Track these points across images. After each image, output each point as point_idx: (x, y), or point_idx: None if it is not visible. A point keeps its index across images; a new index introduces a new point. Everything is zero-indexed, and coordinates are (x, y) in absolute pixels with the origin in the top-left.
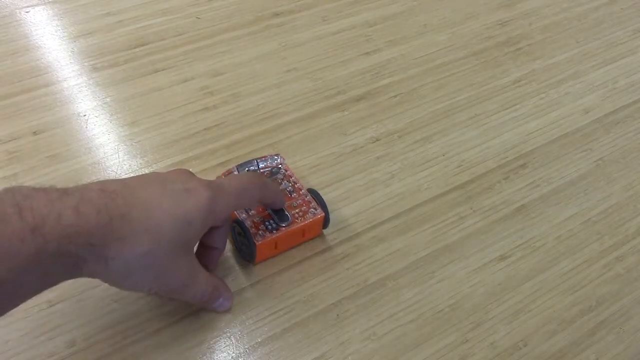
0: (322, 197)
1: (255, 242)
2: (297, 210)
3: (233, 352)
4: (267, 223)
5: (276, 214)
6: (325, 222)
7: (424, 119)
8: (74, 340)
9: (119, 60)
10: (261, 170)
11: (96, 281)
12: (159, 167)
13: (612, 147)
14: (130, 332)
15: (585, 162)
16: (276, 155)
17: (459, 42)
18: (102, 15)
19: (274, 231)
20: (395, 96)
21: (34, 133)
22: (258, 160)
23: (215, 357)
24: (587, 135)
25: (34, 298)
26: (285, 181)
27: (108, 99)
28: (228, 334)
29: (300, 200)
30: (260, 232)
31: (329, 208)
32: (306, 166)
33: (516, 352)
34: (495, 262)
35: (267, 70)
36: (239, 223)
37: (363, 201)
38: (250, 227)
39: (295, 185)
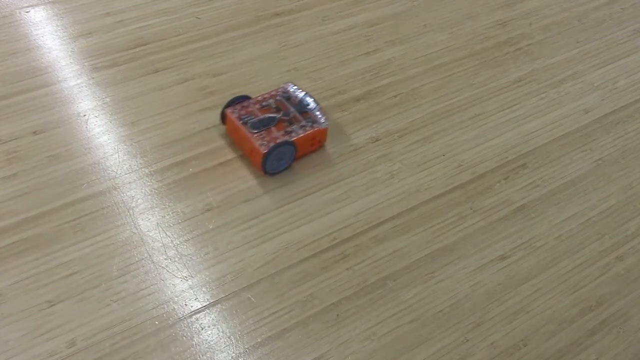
0: None
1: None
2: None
3: (233, 352)
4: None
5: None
6: None
7: (424, 119)
8: (74, 340)
9: (119, 60)
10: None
11: (96, 281)
12: (159, 167)
13: (612, 147)
14: (130, 332)
15: (585, 162)
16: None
17: (459, 42)
18: (102, 15)
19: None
20: (395, 96)
21: (34, 133)
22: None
23: (216, 357)
24: (587, 135)
25: (34, 298)
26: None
27: (108, 99)
28: (228, 334)
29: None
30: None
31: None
32: (307, 165)
33: (516, 352)
34: (495, 262)
35: (267, 70)
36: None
37: (363, 201)
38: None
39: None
